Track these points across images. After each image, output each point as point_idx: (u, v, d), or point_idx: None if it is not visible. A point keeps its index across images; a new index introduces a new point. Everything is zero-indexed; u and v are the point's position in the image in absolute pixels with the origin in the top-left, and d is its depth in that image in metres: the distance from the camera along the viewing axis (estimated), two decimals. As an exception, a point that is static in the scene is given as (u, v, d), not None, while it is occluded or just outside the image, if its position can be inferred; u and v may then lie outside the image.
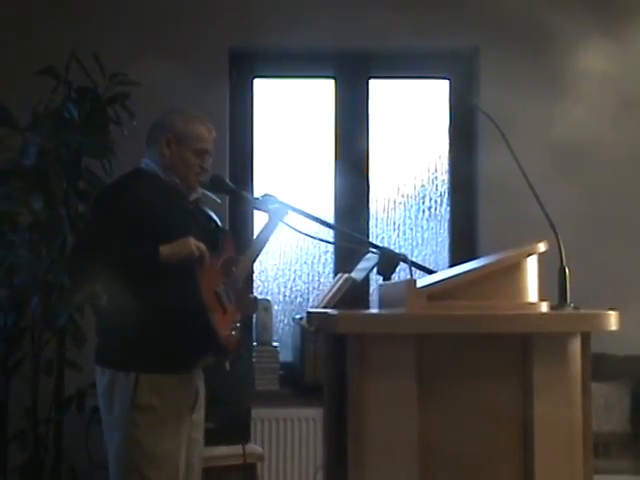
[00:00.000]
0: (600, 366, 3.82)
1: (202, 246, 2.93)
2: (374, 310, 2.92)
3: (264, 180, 4.83)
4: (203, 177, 3.13)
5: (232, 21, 4.69)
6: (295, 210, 3.17)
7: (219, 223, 3.25)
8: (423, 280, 2.48)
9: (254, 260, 3.24)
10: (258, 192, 3.29)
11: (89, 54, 4.25)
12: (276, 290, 4.85)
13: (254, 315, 4.56)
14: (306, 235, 3.21)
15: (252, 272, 3.30)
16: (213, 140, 3.14)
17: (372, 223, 4.89)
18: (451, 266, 4.57)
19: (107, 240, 2.89)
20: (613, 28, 4.73)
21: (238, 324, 3.11)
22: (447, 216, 4.93)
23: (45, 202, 4.15)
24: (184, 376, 3.02)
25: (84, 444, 4.26)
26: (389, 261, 2.98)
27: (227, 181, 3.35)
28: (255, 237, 3.24)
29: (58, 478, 4.23)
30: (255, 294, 3.31)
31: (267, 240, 3.17)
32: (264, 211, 3.20)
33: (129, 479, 2.94)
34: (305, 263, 4.88)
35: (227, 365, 3.15)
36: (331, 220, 4.60)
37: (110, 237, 2.90)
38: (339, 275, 3.20)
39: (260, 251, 3.19)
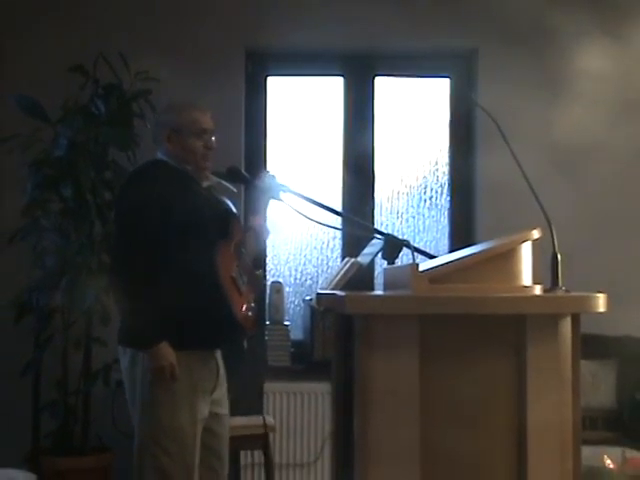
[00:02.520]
0: (589, 346, 3.81)
1: (171, 364, 2.89)
2: (379, 292, 2.92)
3: (277, 170, 4.81)
4: (212, 156, 3.08)
5: (248, 23, 4.68)
6: (306, 199, 3.16)
7: (231, 208, 3.23)
8: (425, 264, 2.47)
9: (262, 236, 3.21)
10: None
11: (115, 53, 4.25)
12: (287, 273, 4.85)
13: (267, 294, 4.57)
14: (314, 221, 3.18)
15: (263, 249, 3.28)
16: (209, 118, 3.08)
17: (377, 211, 4.88)
18: (450, 252, 4.55)
19: (141, 226, 2.89)
20: (612, 28, 4.66)
21: (253, 304, 3.11)
22: (447, 205, 4.91)
23: (74, 190, 4.15)
24: (203, 355, 3.01)
25: (109, 414, 4.28)
26: (393, 246, 2.97)
27: (243, 171, 3.34)
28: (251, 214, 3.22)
29: (86, 444, 4.25)
30: (261, 271, 3.29)
31: (264, 215, 3.16)
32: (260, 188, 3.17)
33: (148, 448, 2.94)
34: (315, 248, 4.88)
35: (245, 343, 3.16)
36: (339, 208, 4.58)
37: (138, 226, 2.89)
38: (346, 259, 3.19)
39: (262, 228, 3.18)
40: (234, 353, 3.22)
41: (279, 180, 3.18)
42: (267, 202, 3.17)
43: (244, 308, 3.02)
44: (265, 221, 3.18)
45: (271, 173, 3.20)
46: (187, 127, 3.04)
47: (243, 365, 3.83)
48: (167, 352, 2.87)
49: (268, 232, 3.21)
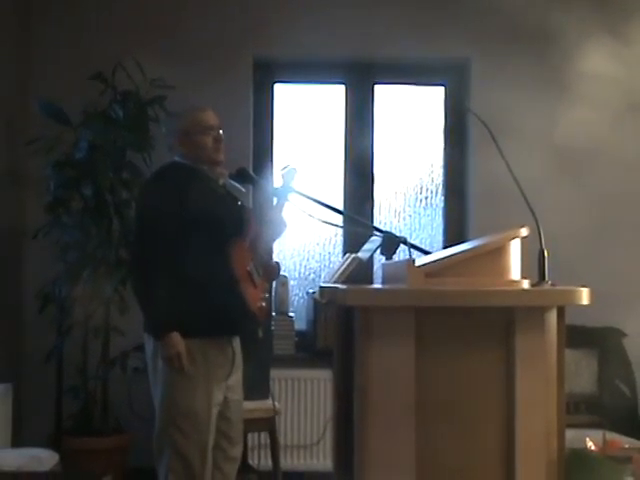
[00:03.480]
0: (572, 336, 3.81)
1: (178, 353, 2.89)
2: (378, 285, 2.92)
3: (282, 165, 4.81)
4: (223, 149, 3.08)
5: (256, 33, 4.67)
6: (309, 198, 3.15)
7: (246, 205, 3.23)
8: (420, 260, 2.47)
9: (279, 228, 3.20)
10: (278, 178, 3.24)
11: (132, 62, 4.25)
12: (292, 267, 4.85)
13: (274, 287, 4.57)
14: (317, 219, 3.18)
15: (277, 238, 3.26)
16: (211, 115, 3.09)
17: (376, 210, 4.87)
18: (445, 248, 4.56)
19: (160, 224, 2.89)
20: (606, 31, 4.63)
21: (267, 295, 3.11)
22: (441, 205, 4.91)
23: (94, 190, 4.16)
24: (219, 342, 3.00)
25: (126, 398, 4.29)
26: (391, 243, 2.97)
27: (251, 172, 3.34)
28: (272, 208, 3.21)
29: (105, 425, 4.26)
30: (277, 261, 3.28)
31: (282, 208, 3.15)
32: (279, 192, 3.16)
33: (167, 428, 2.95)
34: (317, 244, 4.88)
35: (260, 332, 3.15)
36: (341, 207, 4.58)
37: (157, 222, 2.90)
38: (347, 255, 3.19)
39: (276, 219, 3.17)
40: (250, 341, 3.21)
41: (299, 175, 3.16)
42: (286, 196, 3.14)
43: (258, 299, 3.02)
44: (282, 214, 3.16)
45: (292, 167, 3.18)
46: (193, 127, 3.05)
47: (259, 352, 3.84)
48: (176, 341, 2.87)
49: (285, 225, 3.18)
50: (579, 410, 4.31)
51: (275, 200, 3.17)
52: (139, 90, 4.28)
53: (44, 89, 4.48)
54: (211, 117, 3.09)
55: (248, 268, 3.00)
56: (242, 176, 3.24)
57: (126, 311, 4.11)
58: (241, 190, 3.29)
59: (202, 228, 2.93)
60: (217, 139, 3.07)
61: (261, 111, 4.83)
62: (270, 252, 3.27)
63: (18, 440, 3.98)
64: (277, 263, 3.30)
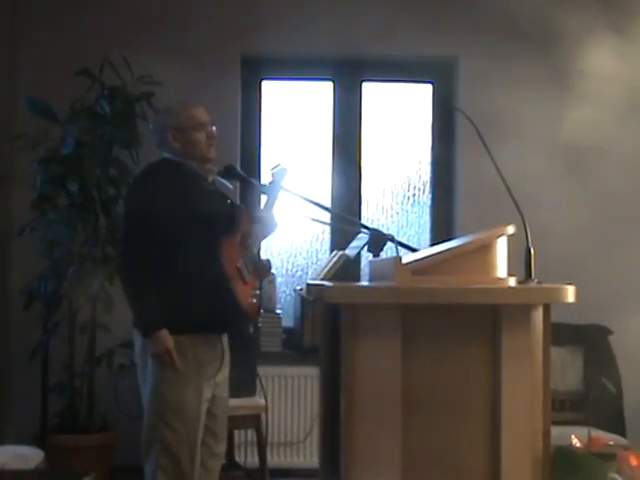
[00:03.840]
0: (558, 333, 3.82)
1: (168, 349, 2.88)
2: (365, 283, 2.92)
3: (272, 165, 4.80)
4: (215, 146, 3.08)
5: (244, 30, 4.66)
6: (298, 196, 3.15)
7: (235, 202, 3.23)
8: (407, 257, 2.48)
9: (269, 228, 3.18)
10: (266, 179, 3.24)
11: (119, 58, 4.24)
12: (280, 265, 4.85)
13: (263, 283, 4.55)
14: (307, 217, 3.18)
15: (267, 237, 3.24)
16: (204, 112, 3.08)
17: (364, 207, 4.88)
18: (432, 245, 4.56)
19: (149, 222, 2.88)
20: (594, 27, 4.66)
21: (257, 291, 3.10)
22: (428, 202, 4.92)
23: (80, 186, 4.14)
24: (209, 339, 3.00)
25: (112, 395, 4.28)
26: (378, 240, 2.97)
27: (238, 169, 3.33)
28: (262, 206, 3.20)
29: (90, 423, 4.24)
30: (268, 260, 3.26)
31: (273, 208, 3.14)
32: (268, 189, 3.15)
33: (156, 425, 2.94)
34: (305, 242, 4.88)
35: (250, 328, 3.14)
36: (328, 205, 4.58)
37: (146, 219, 2.89)
38: (334, 252, 3.20)
39: (267, 218, 3.16)
40: (238, 338, 3.21)
41: (289, 174, 3.15)
42: (277, 195, 3.14)
43: (249, 296, 3.02)
44: (273, 213, 3.15)
45: (282, 166, 3.18)
46: (187, 124, 3.04)
47: (246, 349, 3.83)
48: (165, 339, 2.87)
49: (276, 225, 3.17)
50: (565, 407, 4.33)
51: (265, 199, 3.17)
52: (126, 86, 4.26)
53: (30, 85, 4.46)
54: (204, 113, 3.08)
55: (238, 265, 3.00)
56: (229, 173, 3.23)
57: (112, 308, 4.10)
58: (229, 187, 3.28)
59: (192, 226, 2.92)
60: (210, 136, 3.06)
61: (249, 108, 4.82)
62: (259, 250, 3.25)
63: (3, 437, 3.96)
64: (268, 261, 3.30)
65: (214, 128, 3.08)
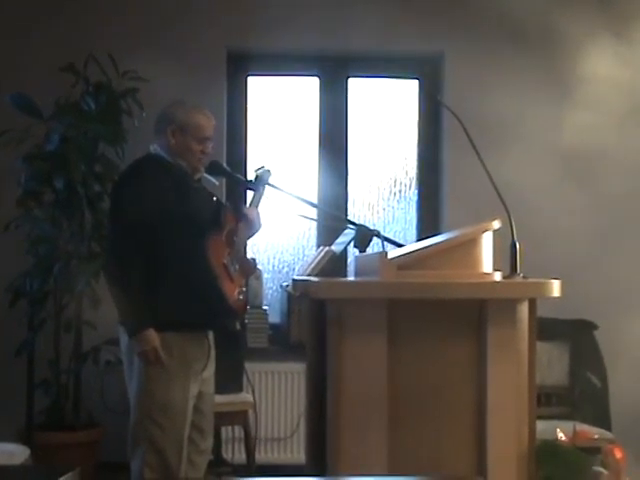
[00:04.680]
0: (544, 328, 3.83)
1: (154, 348, 2.88)
2: (350, 278, 2.92)
3: (257, 165, 4.79)
4: (205, 160, 3.11)
5: (229, 26, 4.65)
6: (284, 192, 3.15)
7: (219, 199, 3.22)
8: (393, 252, 2.48)
9: (254, 227, 3.18)
10: (251, 175, 3.24)
11: (104, 53, 4.22)
12: (266, 261, 4.84)
13: (249, 279, 4.55)
14: (294, 214, 3.18)
15: (251, 236, 3.23)
16: (212, 127, 3.10)
17: (350, 203, 4.88)
18: (418, 241, 4.57)
19: (133, 219, 2.88)
20: (587, 22, 4.67)
21: (244, 288, 3.10)
22: (415, 198, 4.92)
23: (66, 182, 4.12)
24: (196, 336, 3.00)
25: (99, 392, 4.27)
26: (364, 236, 2.98)
27: (224, 165, 3.32)
28: (248, 204, 3.20)
29: (77, 420, 4.23)
30: (254, 257, 3.26)
31: (257, 207, 3.14)
32: (254, 186, 3.16)
33: (143, 422, 2.94)
34: (292, 238, 4.87)
35: (237, 325, 3.15)
36: (315, 200, 4.58)
37: (134, 216, 2.88)
38: (321, 248, 3.20)
39: (255, 219, 3.15)
40: (224, 335, 3.20)
41: (273, 176, 3.16)
42: (261, 196, 3.14)
43: (235, 293, 3.01)
44: (258, 213, 3.15)
45: (267, 168, 3.18)
46: (191, 130, 3.03)
47: (233, 345, 3.83)
48: (151, 337, 2.86)
49: (260, 225, 3.16)
50: (551, 402, 4.34)
51: (250, 198, 3.17)
52: (111, 82, 4.24)
53: (15, 81, 4.43)
54: (211, 129, 3.08)
55: (225, 261, 2.99)
56: (215, 169, 3.22)
57: (98, 305, 4.08)
58: (214, 183, 3.28)
59: (177, 223, 2.92)
60: (205, 152, 3.07)
61: (235, 104, 4.81)
62: (245, 248, 3.25)
63: (-12, 435, 3.94)
64: (253, 260, 3.30)
65: (211, 146, 3.08)
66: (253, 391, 4.04)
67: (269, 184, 3.14)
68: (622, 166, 4.71)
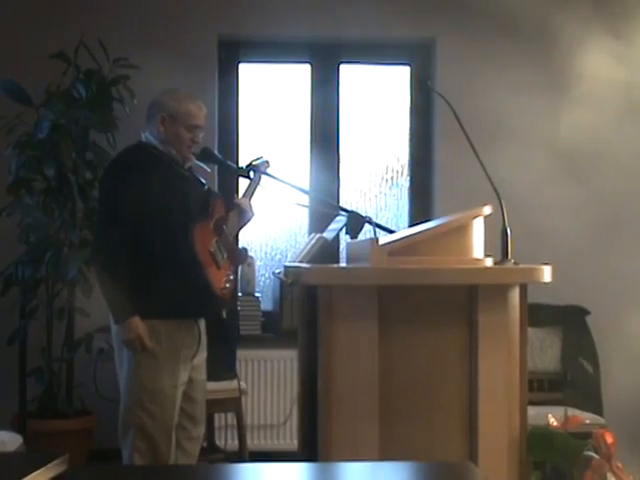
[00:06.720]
0: (536, 314, 3.84)
1: (139, 336, 2.88)
2: (342, 264, 2.92)
3: (249, 152, 4.79)
4: (195, 149, 3.10)
5: (220, 12, 4.62)
6: (275, 178, 3.14)
7: (211, 188, 3.22)
8: (384, 238, 2.47)
9: (246, 215, 3.17)
10: (243, 162, 3.23)
11: (95, 40, 4.19)
12: (258, 248, 4.83)
13: (240, 267, 4.55)
14: (287, 201, 3.17)
15: (243, 225, 3.23)
16: (203, 116, 3.09)
17: (342, 190, 4.87)
18: (409, 227, 4.56)
19: (121, 208, 2.87)
20: (581, 16, 4.66)
21: (232, 276, 3.09)
22: (407, 184, 4.91)
23: (57, 170, 4.11)
24: (185, 324, 3.00)
25: (91, 379, 4.27)
26: (356, 223, 2.97)
27: (216, 153, 3.31)
28: (242, 195, 3.20)
29: (69, 407, 4.23)
30: (244, 247, 3.25)
31: (251, 196, 3.14)
32: (247, 174, 3.15)
33: (132, 408, 2.95)
34: (284, 225, 4.86)
35: (224, 313, 3.14)
36: (307, 187, 4.57)
37: (122, 205, 2.87)
38: (312, 235, 3.19)
39: (247, 208, 3.14)
40: (215, 322, 3.20)
41: (270, 167, 3.15)
42: (257, 185, 3.13)
43: (222, 281, 3.01)
44: (250, 203, 3.14)
45: (265, 159, 3.17)
46: (182, 118, 3.02)
47: (225, 333, 3.83)
48: (136, 325, 2.87)
49: (252, 214, 3.16)
50: (543, 388, 4.36)
51: (245, 187, 3.16)
52: (102, 70, 4.22)
53: (5, 68, 4.40)
54: (202, 118, 3.07)
55: (211, 250, 2.98)
56: (206, 156, 3.21)
57: (91, 292, 4.07)
58: (206, 170, 3.26)
59: (164, 211, 2.92)
60: (195, 141, 3.06)
61: (226, 91, 4.79)
62: (237, 236, 3.25)
63: (-19, 423, 3.93)
64: (245, 249, 3.30)
65: (201, 135, 3.06)
66: (245, 378, 4.04)
67: (266, 173, 3.14)
68: (615, 163, 4.70)
